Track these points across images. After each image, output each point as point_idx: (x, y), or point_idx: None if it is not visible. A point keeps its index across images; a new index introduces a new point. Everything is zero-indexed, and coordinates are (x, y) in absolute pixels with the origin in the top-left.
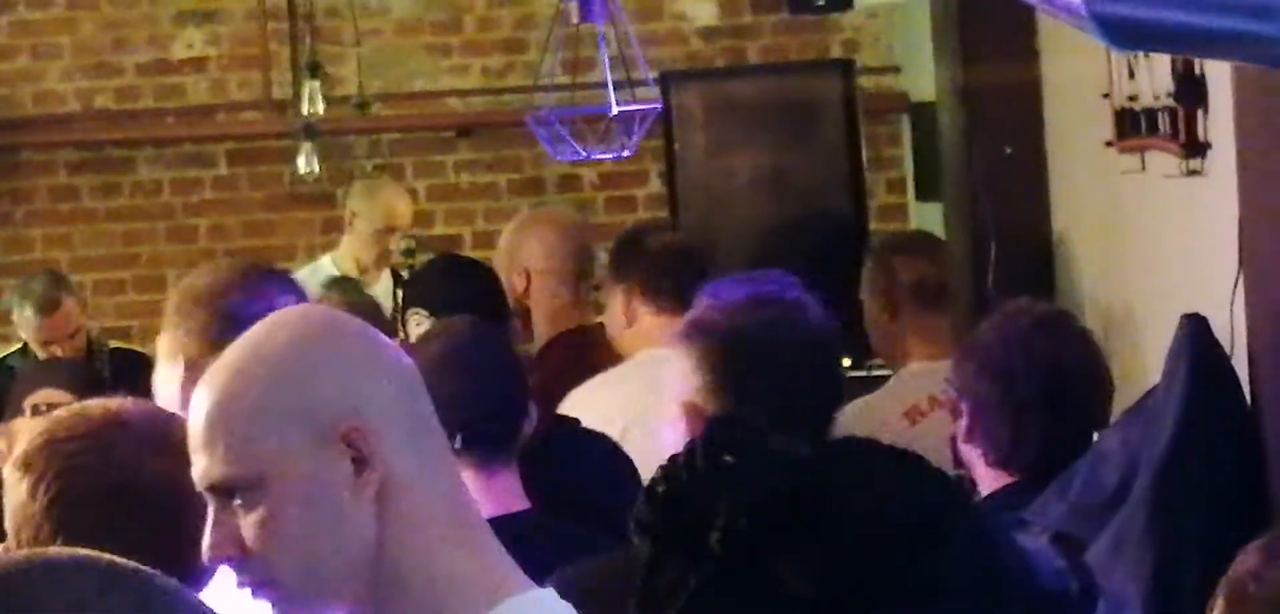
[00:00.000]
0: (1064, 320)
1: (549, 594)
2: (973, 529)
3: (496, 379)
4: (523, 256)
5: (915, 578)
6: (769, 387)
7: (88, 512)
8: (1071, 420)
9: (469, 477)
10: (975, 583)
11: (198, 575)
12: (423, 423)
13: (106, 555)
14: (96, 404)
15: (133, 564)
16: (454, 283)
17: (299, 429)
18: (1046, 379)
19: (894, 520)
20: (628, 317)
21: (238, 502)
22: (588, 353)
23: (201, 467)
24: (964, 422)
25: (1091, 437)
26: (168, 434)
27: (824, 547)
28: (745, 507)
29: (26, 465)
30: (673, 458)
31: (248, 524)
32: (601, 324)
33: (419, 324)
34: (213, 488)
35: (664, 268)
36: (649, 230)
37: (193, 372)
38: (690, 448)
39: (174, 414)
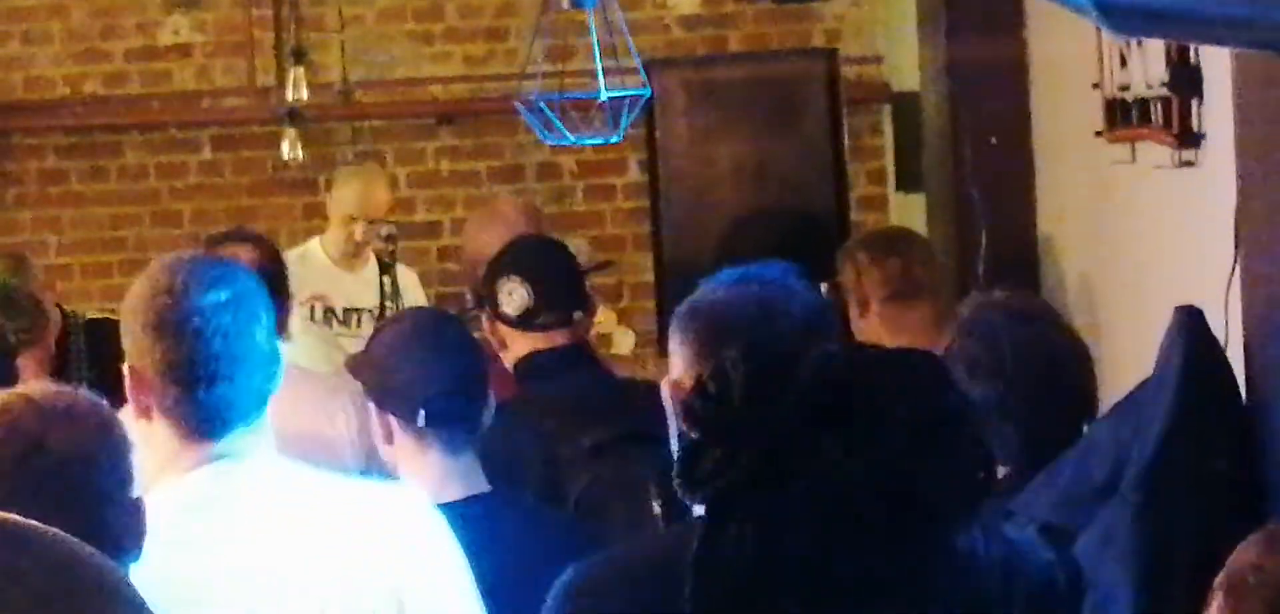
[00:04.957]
0: (1040, 307)
1: None
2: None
3: (454, 358)
4: (487, 250)
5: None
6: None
7: None
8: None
9: (435, 459)
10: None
11: (115, 537)
12: None
13: None
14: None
15: None
16: (547, 253)
17: None
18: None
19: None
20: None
21: None
22: None
23: None
24: None
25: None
26: (71, 406)
27: (870, 428)
28: (798, 396)
29: None
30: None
31: None
32: None
33: (512, 291)
34: None
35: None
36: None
37: None
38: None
39: (78, 391)
